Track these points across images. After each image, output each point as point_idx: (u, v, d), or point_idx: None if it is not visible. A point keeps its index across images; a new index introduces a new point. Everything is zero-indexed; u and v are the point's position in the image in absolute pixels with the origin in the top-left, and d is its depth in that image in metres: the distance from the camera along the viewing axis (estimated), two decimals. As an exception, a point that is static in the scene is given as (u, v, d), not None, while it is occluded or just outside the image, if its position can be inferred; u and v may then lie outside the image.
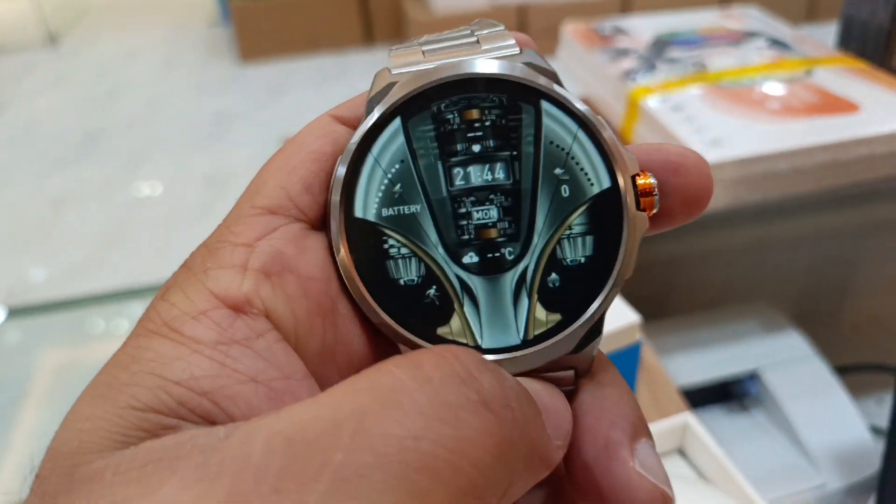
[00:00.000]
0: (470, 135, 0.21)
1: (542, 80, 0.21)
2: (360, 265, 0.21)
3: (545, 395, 0.20)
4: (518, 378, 0.20)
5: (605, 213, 0.21)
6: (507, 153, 0.21)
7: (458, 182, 0.21)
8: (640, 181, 0.21)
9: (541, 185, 0.21)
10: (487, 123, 0.21)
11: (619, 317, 0.53)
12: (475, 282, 0.21)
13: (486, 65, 0.22)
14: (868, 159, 0.72)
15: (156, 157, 2.42)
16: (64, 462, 0.16)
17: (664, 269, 0.88)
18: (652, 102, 0.78)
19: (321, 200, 0.21)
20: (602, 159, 0.21)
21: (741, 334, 0.87)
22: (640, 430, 0.21)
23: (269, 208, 0.21)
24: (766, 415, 0.82)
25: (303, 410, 0.16)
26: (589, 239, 0.21)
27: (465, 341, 0.21)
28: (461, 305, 0.21)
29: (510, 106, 0.21)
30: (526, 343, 0.21)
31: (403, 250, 0.21)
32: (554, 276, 0.21)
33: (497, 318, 0.21)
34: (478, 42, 0.23)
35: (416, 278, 0.21)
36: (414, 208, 0.21)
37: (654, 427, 0.51)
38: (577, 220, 0.21)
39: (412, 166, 0.21)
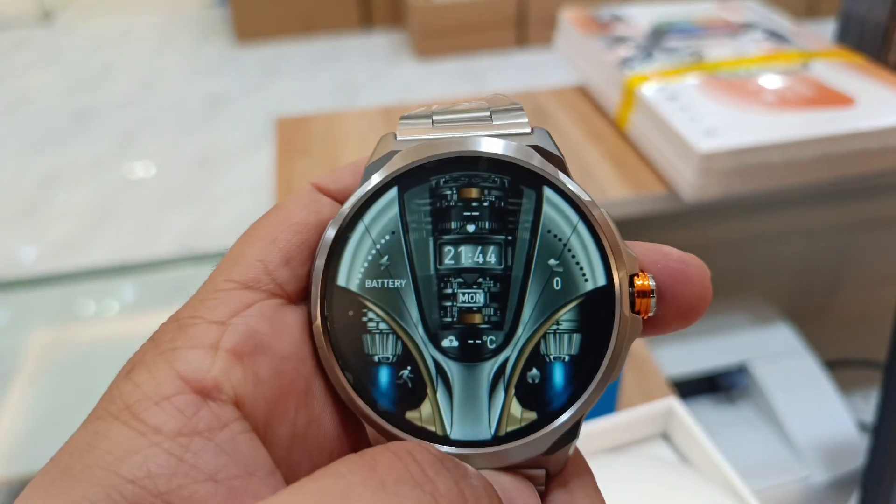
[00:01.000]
0: (466, 213, 0.20)
1: (545, 166, 0.21)
2: (335, 336, 0.20)
3: (515, 493, 0.19)
4: (487, 472, 0.19)
5: (597, 311, 0.20)
6: (502, 237, 0.20)
7: (448, 261, 0.20)
8: (637, 282, 0.20)
9: (532, 275, 0.20)
10: (485, 204, 0.20)
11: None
12: (452, 367, 0.20)
13: (490, 144, 0.21)
14: (862, 154, 0.72)
15: (148, 136, 2.41)
16: None
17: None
18: (648, 91, 0.78)
19: (301, 274, 0.21)
20: (600, 255, 0.20)
21: (731, 326, 0.88)
22: None
23: (245, 282, 0.20)
24: (753, 407, 0.83)
25: None
26: (576, 337, 0.20)
27: (433, 429, 0.20)
28: (434, 391, 0.20)
29: (511, 189, 0.20)
30: (497, 440, 0.20)
31: (382, 325, 0.20)
32: (535, 371, 0.20)
33: (469, 409, 0.20)
34: (490, 117, 0.22)
35: (391, 356, 0.20)
36: (399, 283, 0.20)
37: (638, 411, 0.51)
38: (565, 316, 0.20)
39: (402, 239, 0.20)
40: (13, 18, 3.31)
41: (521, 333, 0.20)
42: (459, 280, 0.20)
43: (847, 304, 1.00)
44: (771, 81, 0.79)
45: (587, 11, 0.99)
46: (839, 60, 0.83)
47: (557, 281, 0.20)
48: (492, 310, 0.20)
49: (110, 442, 0.17)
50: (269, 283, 0.20)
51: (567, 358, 0.20)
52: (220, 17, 3.31)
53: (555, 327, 0.20)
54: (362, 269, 0.20)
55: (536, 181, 0.21)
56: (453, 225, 0.20)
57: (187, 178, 2.18)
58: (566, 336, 0.20)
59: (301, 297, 0.21)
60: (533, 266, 0.20)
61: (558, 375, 0.20)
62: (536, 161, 0.21)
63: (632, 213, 0.75)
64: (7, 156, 2.33)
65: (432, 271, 0.20)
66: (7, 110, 2.61)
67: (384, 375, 0.20)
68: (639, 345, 0.69)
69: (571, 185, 0.20)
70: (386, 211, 0.21)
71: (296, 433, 0.19)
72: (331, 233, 0.21)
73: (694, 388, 0.83)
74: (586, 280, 0.20)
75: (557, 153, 0.21)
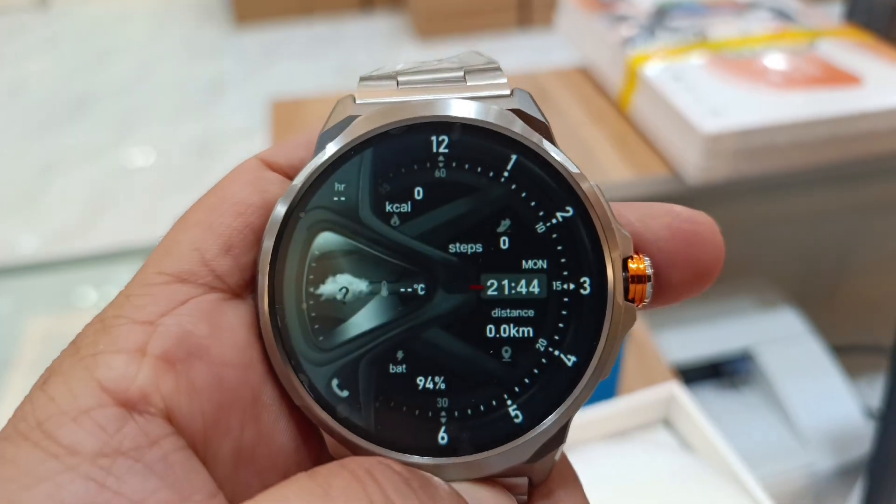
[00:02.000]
0: (437, 188, 0.18)
1: (528, 133, 0.18)
2: (287, 332, 0.18)
3: None
4: (463, 485, 0.17)
5: (586, 301, 0.18)
6: (478, 216, 0.18)
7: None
8: (632, 265, 0.18)
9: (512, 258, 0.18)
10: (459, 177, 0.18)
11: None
12: None
13: (464, 107, 0.18)
14: (870, 134, 0.71)
15: (147, 122, 2.39)
16: None
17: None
18: (651, 71, 0.76)
19: (245, 263, 0.18)
20: (589, 235, 0.18)
21: (736, 311, 0.86)
22: None
23: (179, 275, 0.17)
24: (757, 393, 0.81)
25: None
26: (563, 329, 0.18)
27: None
28: None
29: (488, 159, 0.18)
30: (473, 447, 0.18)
31: None
32: None
33: None
34: (464, 78, 0.19)
35: None
36: None
37: (639, 397, 0.50)
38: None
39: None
40: (9, 4, 3.28)
41: None
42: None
43: (854, 289, 0.99)
44: (777, 61, 0.77)
45: (589, -10, 0.97)
46: (846, 39, 0.81)
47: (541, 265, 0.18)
48: None
49: (16, 467, 0.14)
50: (206, 275, 0.17)
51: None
52: (218, 0, 3.28)
53: None
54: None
55: (517, 150, 0.18)
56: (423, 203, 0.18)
57: (186, 164, 2.17)
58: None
59: (246, 290, 0.18)
60: (513, 248, 0.18)
61: (543, 375, 0.18)
62: (518, 128, 0.18)
63: (634, 195, 0.73)
64: (5, 143, 2.32)
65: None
66: (4, 97, 2.59)
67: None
68: (640, 328, 0.68)
69: (557, 155, 0.18)
70: (344, 185, 0.18)
71: (242, 449, 0.17)
72: (280, 210, 0.18)
73: (697, 374, 0.82)
74: (574, 264, 0.18)
75: (541, 118, 0.19)
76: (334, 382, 0.18)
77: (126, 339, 0.16)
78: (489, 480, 0.18)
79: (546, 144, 0.18)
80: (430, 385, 0.18)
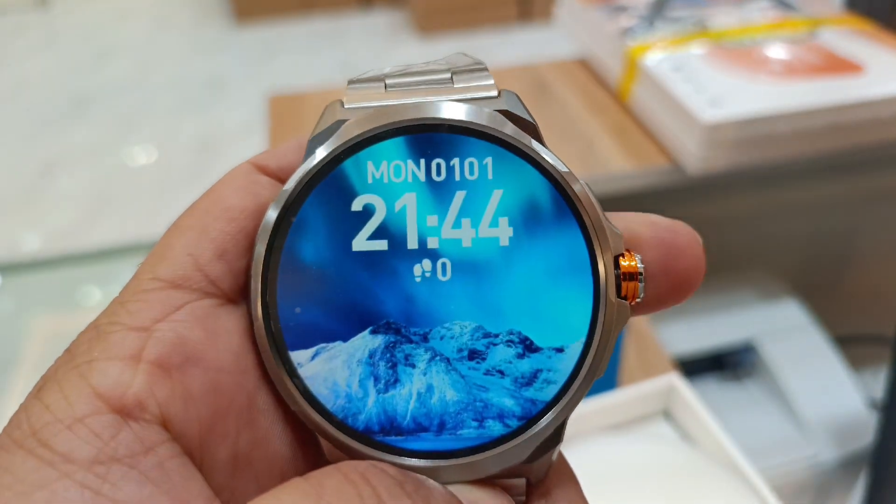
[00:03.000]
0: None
1: (518, 135, 0.18)
2: (280, 337, 0.18)
3: None
4: (459, 487, 0.17)
5: (579, 299, 0.18)
6: (468, 217, 0.18)
7: None
8: (623, 263, 0.18)
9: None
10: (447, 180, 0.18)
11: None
12: None
13: (453, 109, 0.18)
14: (872, 123, 0.70)
15: (148, 120, 2.39)
16: None
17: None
18: (650, 61, 0.75)
19: (238, 268, 0.18)
20: (581, 234, 0.18)
21: (737, 303, 0.86)
22: None
23: (173, 281, 0.17)
24: (760, 385, 0.81)
25: None
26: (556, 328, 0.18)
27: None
28: None
29: (477, 161, 0.18)
30: (468, 449, 0.18)
31: None
32: None
33: None
34: (451, 79, 0.19)
35: None
36: None
37: (639, 388, 0.49)
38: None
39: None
40: (9, 3, 3.28)
41: None
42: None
43: (857, 279, 0.98)
44: (777, 50, 0.76)
45: (588, -19, 0.97)
46: (847, 27, 0.81)
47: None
48: None
49: (11, 476, 0.14)
50: (200, 280, 0.17)
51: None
52: (218, -2, 3.28)
53: None
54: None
55: (507, 151, 0.18)
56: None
57: (188, 161, 2.17)
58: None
59: (240, 295, 0.18)
60: (506, 248, 0.18)
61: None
62: (509, 129, 0.18)
63: (634, 187, 0.73)
64: (6, 142, 2.32)
65: None
66: (6, 96, 2.59)
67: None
68: (641, 321, 0.68)
69: (547, 156, 0.18)
70: (334, 189, 0.18)
71: (238, 455, 0.17)
72: (272, 214, 0.18)
73: (699, 366, 0.82)
74: (565, 263, 0.18)
75: (530, 119, 0.19)
76: (329, 387, 0.18)
77: (121, 346, 0.16)
78: (486, 482, 0.18)
79: (535, 145, 0.18)
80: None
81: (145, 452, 0.15)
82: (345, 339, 0.18)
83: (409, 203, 0.18)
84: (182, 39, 2.96)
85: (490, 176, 0.18)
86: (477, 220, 0.18)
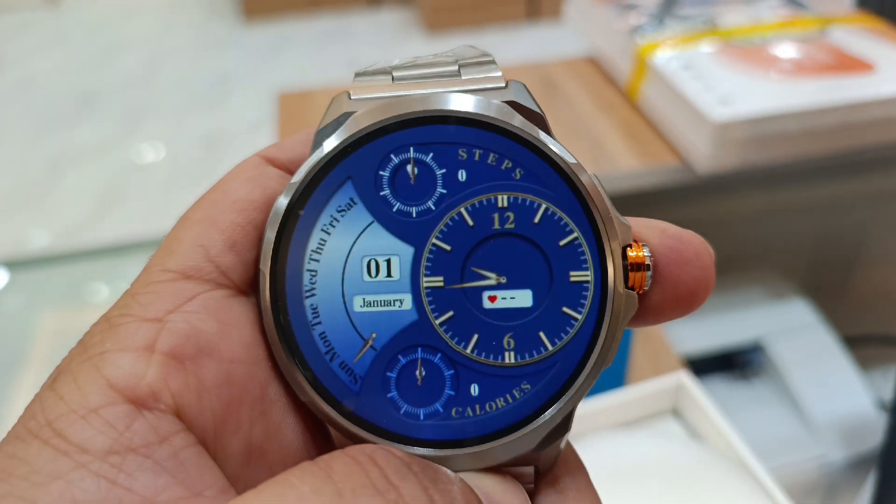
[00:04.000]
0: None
1: (526, 126, 0.18)
2: (290, 328, 0.18)
3: (500, 496, 0.17)
4: (469, 474, 0.17)
5: (587, 289, 0.18)
6: (478, 209, 0.18)
7: None
8: (631, 253, 0.18)
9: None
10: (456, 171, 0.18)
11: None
12: None
13: (461, 101, 0.18)
14: (883, 122, 0.70)
15: (156, 117, 2.39)
16: None
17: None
18: (660, 59, 0.75)
19: (249, 259, 0.18)
20: (589, 224, 0.18)
21: (746, 302, 0.86)
22: None
23: (185, 272, 0.17)
24: (768, 385, 0.81)
25: None
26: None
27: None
28: None
29: (487, 153, 0.18)
30: (478, 437, 0.18)
31: None
32: None
33: None
34: (459, 71, 0.19)
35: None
36: None
37: (647, 386, 0.49)
38: None
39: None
40: (19, 2, 3.29)
41: None
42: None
43: (866, 279, 0.98)
44: (788, 48, 0.76)
45: (597, -21, 0.97)
46: (858, 25, 0.80)
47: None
48: None
49: (27, 466, 0.14)
50: (211, 271, 0.17)
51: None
52: (226, -4, 3.28)
53: None
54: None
55: (516, 143, 0.18)
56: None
57: (196, 158, 2.18)
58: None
59: (250, 287, 0.18)
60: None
61: (546, 365, 0.18)
62: (517, 121, 0.18)
63: (643, 185, 0.73)
64: (16, 139, 2.33)
65: None
66: (15, 94, 2.60)
67: (348, 375, 0.18)
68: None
69: (555, 147, 0.18)
70: (342, 181, 0.18)
71: (252, 445, 0.17)
72: (281, 207, 0.18)
73: (708, 365, 0.82)
74: (574, 253, 0.18)
75: (537, 110, 0.19)
76: (338, 378, 0.18)
77: (133, 337, 0.16)
78: (496, 469, 0.18)
79: (543, 136, 0.18)
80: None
81: (160, 442, 0.15)
82: None
83: None
84: (190, 37, 2.97)
85: (498, 167, 0.18)
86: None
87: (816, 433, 0.75)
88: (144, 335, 0.16)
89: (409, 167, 0.18)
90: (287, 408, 0.18)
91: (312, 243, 0.18)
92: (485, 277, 0.18)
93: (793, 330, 0.82)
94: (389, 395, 0.18)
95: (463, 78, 0.19)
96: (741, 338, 0.81)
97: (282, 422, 0.17)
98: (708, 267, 0.18)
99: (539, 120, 0.18)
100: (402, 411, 0.18)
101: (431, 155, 0.18)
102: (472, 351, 0.18)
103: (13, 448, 0.15)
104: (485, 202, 0.18)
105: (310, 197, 0.18)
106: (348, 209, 0.18)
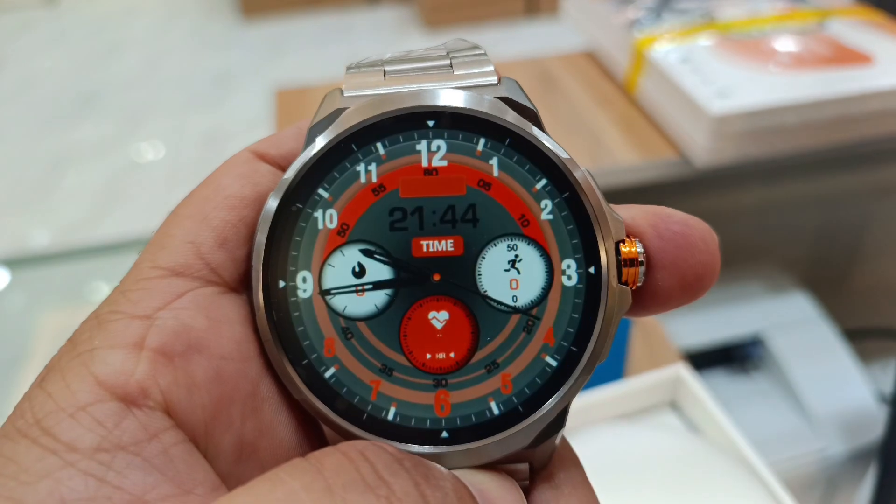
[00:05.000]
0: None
1: (519, 122, 0.18)
2: (283, 326, 0.18)
3: (495, 493, 0.17)
4: (463, 471, 0.17)
5: (581, 285, 0.18)
6: (469, 205, 0.18)
7: None
8: (623, 249, 0.18)
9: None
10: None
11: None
12: None
13: (453, 97, 0.18)
14: (881, 114, 0.69)
15: (155, 116, 2.39)
16: None
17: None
18: (658, 53, 0.75)
19: (240, 256, 0.18)
20: (583, 220, 0.18)
21: (746, 296, 0.85)
22: None
23: (174, 268, 0.17)
24: (768, 378, 0.81)
25: None
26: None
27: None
28: None
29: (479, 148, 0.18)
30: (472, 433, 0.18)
31: None
32: None
33: None
34: (451, 66, 0.19)
35: None
36: None
37: (645, 379, 0.49)
38: None
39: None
40: (18, 2, 3.29)
41: None
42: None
43: (866, 273, 0.98)
44: (786, 41, 0.76)
45: (595, -26, 0.96)
46: (857, 18, 0.80)
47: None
48: None
49: (16, 465, 0.14)
50: (202, 268, 0.17)
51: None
52: (225, -6, 3.28)
53: None
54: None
55: (509, 138, 0.18)
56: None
57: (196, 156, 2.17)
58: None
59: (241, 284, 0.18)
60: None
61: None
62: (510, 117, 0.18)
63: (642, 179, 0.72)
64: (16, 138, 2.33)
65: None
66: (15, 93, 2.60)
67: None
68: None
69: (548, 143, 0.18)
70: (335, 178, 0.18)
71: (243, 442, 0.16)
72: (272, 203, 0.18)
73: (708, 359, 0.82)
74: (567, 249, 0.18)
75: (530, 105, 0.19)
76: (331, 374, 0.18)
77: (122, 334, 0.16)
78: (491, 466, 0.18)
79: (536, 132, 0.18)
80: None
81: (149, 439, 0.15)
82: None
83: None
84: (189, 35, 2.96)
85: (490, 162, 0.18)
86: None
87: (816, 427, 0.75)
88: (134, 332, 0.16)
89: None
90: (279, 405, 0.18)
91: None
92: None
93: (793, 323, 0.82)
94: None
95: (455, 73, 0.19)
96: (741, 331, 0.81)
97: (274, 419, 0.17)
98: (714, 252, 0.18)
99: (532, 115, 0.18)
100: None
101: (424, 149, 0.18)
102: None
103: (1, 447, 0.15)
104: None
105: (302, 193, 0.18)
106: None
